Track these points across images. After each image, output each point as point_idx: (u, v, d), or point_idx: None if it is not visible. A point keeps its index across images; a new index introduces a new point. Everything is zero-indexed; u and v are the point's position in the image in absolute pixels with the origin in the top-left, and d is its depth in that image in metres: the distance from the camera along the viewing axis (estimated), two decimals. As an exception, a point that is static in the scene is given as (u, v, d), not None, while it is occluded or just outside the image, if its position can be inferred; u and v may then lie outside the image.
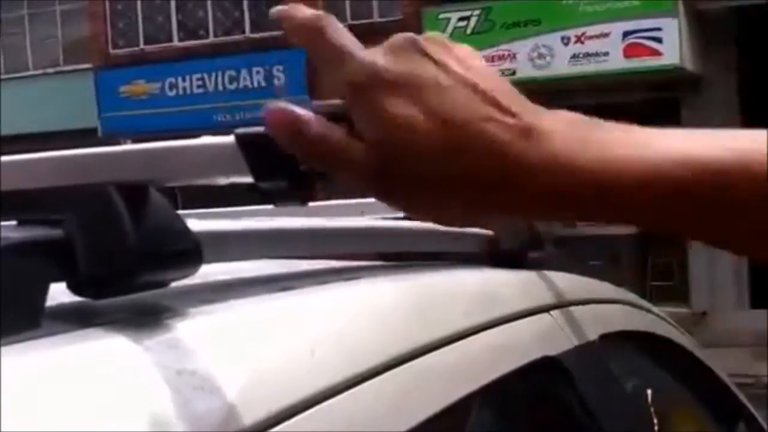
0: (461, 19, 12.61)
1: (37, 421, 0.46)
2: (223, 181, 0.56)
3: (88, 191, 0.56)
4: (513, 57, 12.14)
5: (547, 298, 1.31)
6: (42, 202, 0.57)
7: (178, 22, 15.28)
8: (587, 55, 11.67)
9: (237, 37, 14.96)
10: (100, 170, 0.58)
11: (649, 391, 1.73)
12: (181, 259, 0.59)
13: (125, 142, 15.94)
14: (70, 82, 16.63)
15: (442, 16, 12.79)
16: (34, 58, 17.81)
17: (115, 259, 0.55)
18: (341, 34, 0.54)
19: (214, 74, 14.64)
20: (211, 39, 15.10)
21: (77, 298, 0.57)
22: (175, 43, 15.29)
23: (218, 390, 0.55)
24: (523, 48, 12.12)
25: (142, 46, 15.48)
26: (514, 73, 11.91)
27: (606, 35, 11.79)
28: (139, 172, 0.57)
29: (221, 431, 0.53)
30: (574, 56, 11.79)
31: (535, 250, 1.44)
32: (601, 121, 0.53)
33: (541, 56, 12.00)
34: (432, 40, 0.54)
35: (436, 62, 0.52)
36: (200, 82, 14.77)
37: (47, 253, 0.54)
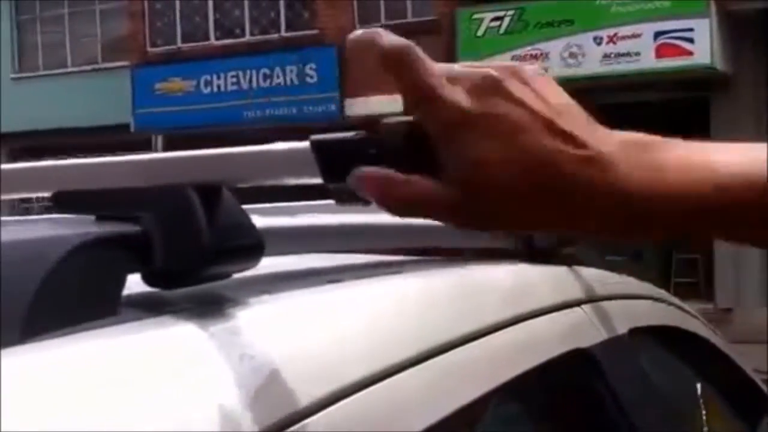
0: (495, 19, 12.65)
1: (114, 399, 0.51)
2: (291, 182, 0.62)
3: (166, 191, 0.62)
4: (545, 56, 12.16)
5: (579, 293, 1.36)
6: (121, 201, 0.63)
7: (215, 21, 15.43)
8: (619, 55, 11.70)
9: (272, 35, 15.05)
10: (178, 172, 0.63)
11: (676, 385, 1.77)
12: (246, 253, 0.65)
13: (156, 138, 16.12)
14: (107, 79, 16.82)
15: (476, 16, 12.85)
16: (73, 56, 18.03)
17: (187, 254, 0.60)
18: (427, 68, 0.57)
19: (248, 72, 14.73)
20: (246, 38, 15.19)
21: (149, 289, 0.63)
22: (212, 41, 15.43)
23: (277, 373, 0.60)
24: (555, 48, 12.16)
25: (179, 44, 15.61)
26: (545, 71, 11.97)
27: (638, 36, 11.79)
28: (214, 173, 0.63)
29: (279, 412, 0.59)
30: (606, 56, 11.83)
31: (567, 246, 1.47)
32: (657, 139, 0.57)
33: (573, 56, 12.03)
34: (512, 74, 0.56)
35: (515, 101, 0.55)
36: (234, 80, 14.87)
37: (125, 247, 0.60)
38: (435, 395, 0.80)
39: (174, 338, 0.59)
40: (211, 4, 15.46)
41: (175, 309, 0.63)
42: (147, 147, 16.41)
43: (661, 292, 1.80)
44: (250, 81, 14.74)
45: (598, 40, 11.84)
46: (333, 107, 14.10)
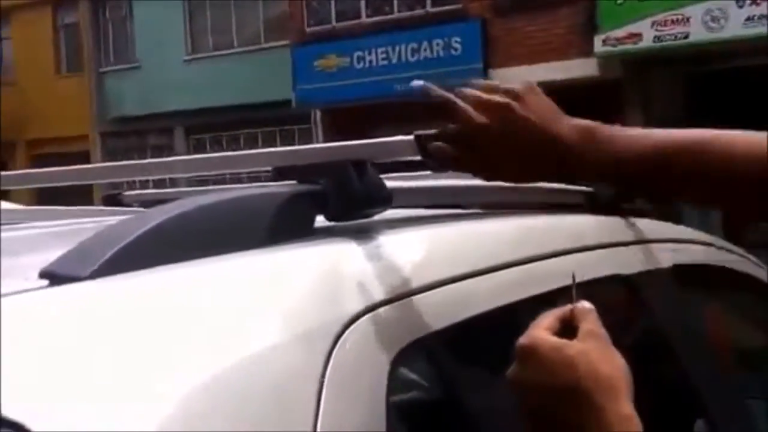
0: None
1: (310, 277, 1.00)
2: (405, 158, 1.16)
3: (335, 165, 1.13)
4: (686, 21, 11.94)
5: (628, 236, 1.72)
6: (311, 172, 1.19)
7: (366, 0, 15.87)
8: (762, 16, 11.35)
9: (418, 11, 15.37)
10: (342, 153, 1.16)
11: (717, 315, 2.04)
12: (381, 202, 1.16)
13: (315, 112, 16.79)
14: (269, 58, 17.65)
15: None
16: (238, 37, 18.91)
17: (348, 202, 1.12)
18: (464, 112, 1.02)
19: (397, 47, 15.15)
20: (395, 14, 15.58)
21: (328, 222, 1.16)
22: (363, 19, 15.86)
23: (398, 263, 1.08)
24: (696, 12, 11.89)
25: (333, 23, 16.12)
26: (687, 36, 11.82)
27: (782, -4, 11.41)
28: (362, 153, 1.14)
29: (403, 287, 1.04)
30: (749, 18, 11.52)
31: (625, 201, 1.83)
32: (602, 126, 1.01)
33: (714, 19, 11.80)
34: (521, 100, 1.00)
35: (516, 118, 0.99)
36: (384, 55, 15.31)
37: (314, 198, 1.14)
38: (512, 289, 1.22)
39: (342, 248, 1.06)
40: (363, -16, 15.93)
41: (343, 233, 1.10)
42: (307, 121, 17.12)
43: (713, 238, 2.09)
44: (399, 55, 15.16)
45: (740, 3, 11.55)
46: (478, 78, 14.34)
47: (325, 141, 16.71)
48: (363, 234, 1.12)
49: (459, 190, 1.53)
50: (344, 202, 1.13)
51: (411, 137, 1.09)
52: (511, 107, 0.99)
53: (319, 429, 0.87)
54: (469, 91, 1.04)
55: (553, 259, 1.37)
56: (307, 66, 15.98)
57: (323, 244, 1.08)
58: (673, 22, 12.02)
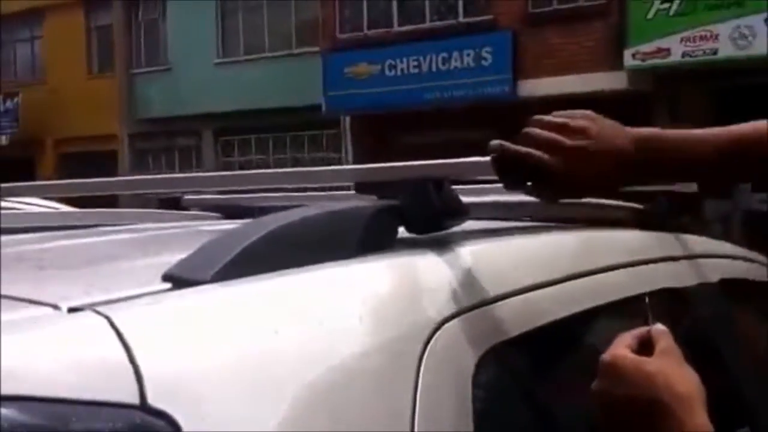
0: (665, 1, 12.58)
1: (392, 282, 1.14)
2: (478, 177, 1.24)
3: (416, 182, 1.22)
4: (715, 38, 12.09)
5: (677, 251, 1.81)
6: (391, 188, 1.28)
7: (398, 8, 16.01)
8: None
9: (450, 21, 15.50)
10: (422, 172, 1.26)
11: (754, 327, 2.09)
12: (457, 215, 1.25)
13: (345, 119, 16.91)
14: (300, 64, 17.79)
15: None
16: (270, 42, 19.08)
17: (427, 216, 1.22)
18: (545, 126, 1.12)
19: (428, 56, 15.27)
20: (427, 24, 15.71)
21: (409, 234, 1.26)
22: (395, 27, 16.01)
23: (477, 272, 1.17)
24: (725, 29, 12.04)
25: (365, 30, 16.29)
26: (715, 52, 11.91)
27: (809, 15, 11.42)
28: (440, 172, 1.24)
29: (480, 295, 1.15)
30: (776, 36, 11.56)
31: (673, 219, 1.92)
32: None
33: (743, 36, 11.92)
34: (583, 118, 1.12)
35: (583, 134, 1.09)
36: (415, 64, 15.43)
37: (397, 212, 1.22)
38: (574, 300, 1.30)
39: (426, 258, 1.15)
40: (394, -8, 16.05)
41: (424, 244, 1.19)
42: (336, 126, 17.23)
43: (754, 254, 2.18)
44: (430, 64, 15.27)
45: None
46: (507, 89, 14.46)
47: (354, 147, 16.86)
48: (442, 245, 1.21)
49: (526, 204, 1.62)
50: (424, 216, 1.23)
51: (488, 159, 1.18)
52: (562, 144, 1.09)
53: (416, 425, 0.95)
54: (537, 132, 1.12)
55: (614, 272, 1.46)
56: (338, 72, 16.16)
57: (408, 255, 1.17)
58: (701, 38, 12.16)
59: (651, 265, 1.64)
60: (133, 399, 0.78)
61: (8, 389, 0.74)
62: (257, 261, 1.00)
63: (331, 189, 1.73)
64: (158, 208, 2.39)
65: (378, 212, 1.20)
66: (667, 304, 1.66)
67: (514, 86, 14.39)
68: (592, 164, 1.09)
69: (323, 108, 16.54)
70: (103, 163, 19.80)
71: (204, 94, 19.00)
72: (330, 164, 17.58)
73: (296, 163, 18.36)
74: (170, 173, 19.87)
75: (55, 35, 22.57)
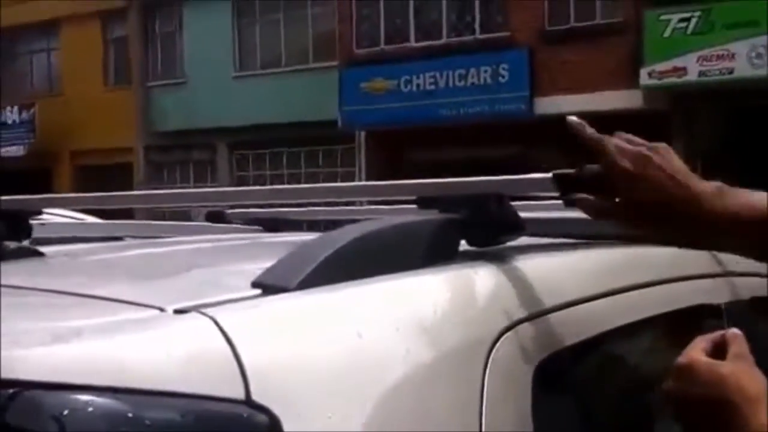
0: (682, 20, 12.68)
1: (460, 291, 1.22)
2: (541, 194, 1.31)
3: (478, 197, 1.29)
4: (731, 57, 12.17)
5: (714, 268, 1.85)
6: (454, 203, 1.34)
7: (415, 25, 16.13)
8: None
9: (467, 38, 15.62)
10: (484, 186, 1.33)
11: None
12: (515, 230, 1.32)
13: (360, 134, 17.00)
14: (316, 78, 17.89)
15: (662, 17, 12.86)
16: (287, 56, 19.20)
17: (488, 229, 1.30)
18: (609, 146, 1.10)
19: (444, 72, 15.37)
20: (444, 40, 15.82)
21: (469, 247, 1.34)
22: (412, 43, 16.13)
23: (534, 284, 1.23)
24: (741, 48, 12.12)
25: (382, 46, 16.42)
26: (732, 72, 11.97)
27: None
28: (499, 188, 1.31)
29: (541, 304, 1.23)
30: (794, 56, 11.60)
31: None
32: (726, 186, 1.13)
33: (759, 56, 11.98)
34: (654, 150, 1.09)
35: (656, 167, 1.07)
36: (432, 80, 15.54)
37: (459, 225, 1.29)
38: (613, 315, 1.35)
39: (488, 270, 1.21)
40: (411, 8, 16.15)
41: (484, 257, 1.26)
42: (351, 141, 17.32)
43: None
44: (446, 81, 15.37)
45: None
46: (523, 106, 14.58)
47: (368, 162, 16.94)
48: (501, 258, 1.29)
49: (576, 221, 1.69)
50: (485, 229, 1.30)
51: (549, 175, 1.24)
52: (650, 157, 1.10)
53: (483, 425, 1.02)
54: (612, 139, 1.14)
55: (658, 287, 1.53)
56: (354, 87, 16.28)
57: (470, 267, 1.24)
58: (718, 57, 12.25)
59: (690, 282, 1.71)
60: (239, 395, 0.86)
61: (123, 382, 0.82)
62: (336, 270, 1.08)
63: (386, 203, 1.80)
64: (203, 221, 2.47)
65: (442, 225, 1.27)
66: (704, 318, 1.74)
67: (531, 103, 14.51)
68: (659, 183, 1.10)
69: (339, 123, 16.65)
70: (118, 175, 19.93)
71: (220, 108, 19.14)
72: (344, 180, 17.67)
73: (310, 178, 18.44)
74: (185, 187, 19.98)
75: (71, 47, 22.78)
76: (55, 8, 22.14)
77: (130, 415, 0.81)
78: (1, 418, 0.77)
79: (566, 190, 1.24)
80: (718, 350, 1.04)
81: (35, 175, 18.79)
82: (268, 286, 1.04)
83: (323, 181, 18.24)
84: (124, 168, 20.64)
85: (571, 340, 1.25)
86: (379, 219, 1.27)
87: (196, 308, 0.93)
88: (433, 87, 15.51)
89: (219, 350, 0.88)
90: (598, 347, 1.32)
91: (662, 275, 1.58)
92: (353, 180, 17.10)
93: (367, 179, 16.60)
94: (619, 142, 1.13)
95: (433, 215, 1.33)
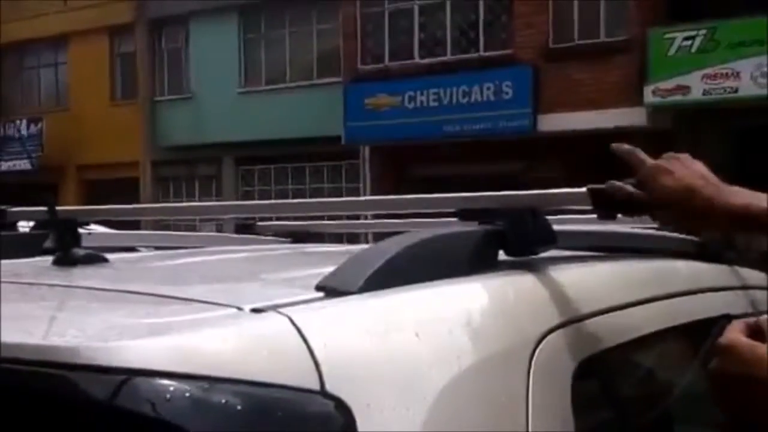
0: (686, 38, 12.76)
1: (494, 302, 1.32)
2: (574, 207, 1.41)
3: (514, 211, 1.39)
4: (736, 75, 12.24)
5: (731, 282, 1.96)
6: (487, 214, 1.44)
7: (420, 41, 16.25)
8: None
9: (471, 55, 15.72)
10: (522, 200, 1.43)
11: None
12: (548, 241, 1.42)
13: (364, 149, 17.11)
14: (321, 94, 17.99)
15: (667, 35, 12.96)
16: (291, 72, 19.32)
17: (524, 240, 1.39)
18: (647, 163, 1.29)
19: (448, 89, 15.46)
20: (448, 57, 15.94)
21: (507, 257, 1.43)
22: (416, 60, 16.24)
23: (569, 292, 1.34)
24: (746, 67, 12.19)
25: (387, 62, 16.52)
26: (736, 90, 12.06)
27: (829, 55, 11.58)
28: (532, 202, 1.42)
29: (567, 316, 1.33)
30: (797, 76, 11.70)
31: (729, 251, 2.07)
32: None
33: (764, 75, 12.05)
34: (675, 159, 1.28)
35: (682, 165, 1.27)
36: (435, 97, 15.62)
37: (498, 236, 1.39)
38: (642, 325, 1.45)
39: (526, 278, 1.31)
40: (416, 25, 16.28)
41: (522, 266, 1.35)
42: (355, 157, 17.41)
43: None
44: (450, 97, 15.46)
45: None
46: (526, 122, 14.65)
47: (373, 178, 17.06)
48: (538, 267, 1.38)
49: (603, 235, 1.82)
50: (522, 240, 1.39)
51: (584, 189, 1.35)
52: (677, 158, 1.28)
53: (530, 423, 1.11)
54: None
55: (682, 297, 1.62)
56: (359, 104, 16.36)
57: (510, 275, 1.34)
58: (722, 76, 12.32)
59: (712, 293, 1.80)
60: (315, 385, 0.94)
61: (212, 371, 0.90)
62: (392, 276, 1.17)
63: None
64: (234, 233, 2.57)
65: (483, 236, 1.36)
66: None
67: (534, 120, 14.58)
68: (683, 180, 1.25)
69: (343, 138, 16.72)
70: (125, 189, 20.02)
71: (225, 123, 19.26)
72: (349, 195, 17.76)
73: (314, 193, 18.54)
74: (191, 200, 20.08)
75: (79, 61, 22.93)
76: (63, 23, 22.30)
77: (218, 401, 0.90)
78: (110, 401, 0.86)
79: (599, 203, 1.33)
80: (755, 333, 1.13)
81: (42, 189, 18.88)
82: (331, 289, 1.13)
83: (327, 196, 18.38)
84: (130, 182, 20.73)
85: (607, 344, 1.34)
86: (426, 230, 1.36)
87: (271, 308, 1.02)
88: (436, 103, 15.60)
89: (295, 345, 0.96)
90: (630, 352, 1.41)
91: (686, 287, 1.67)
92: (357, 196, 17.27)
93: (372, 194, 16.68)
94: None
95: (474, 227, 1.42)
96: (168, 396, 0.86)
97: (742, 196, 1.26)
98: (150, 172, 20.47)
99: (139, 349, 0.89)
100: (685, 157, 1.30)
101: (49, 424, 0.90)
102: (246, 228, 2.53)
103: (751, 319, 1.16)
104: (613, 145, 1.32)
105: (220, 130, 19.37)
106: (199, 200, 20.50)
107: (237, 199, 18.90)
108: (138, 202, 19.21)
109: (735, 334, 1.12)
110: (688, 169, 1.27)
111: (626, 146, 1.32)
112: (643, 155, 1.31)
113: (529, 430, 1.11)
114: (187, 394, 0.88)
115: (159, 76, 21.57)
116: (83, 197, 21.85)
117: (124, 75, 22.56)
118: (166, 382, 0.87)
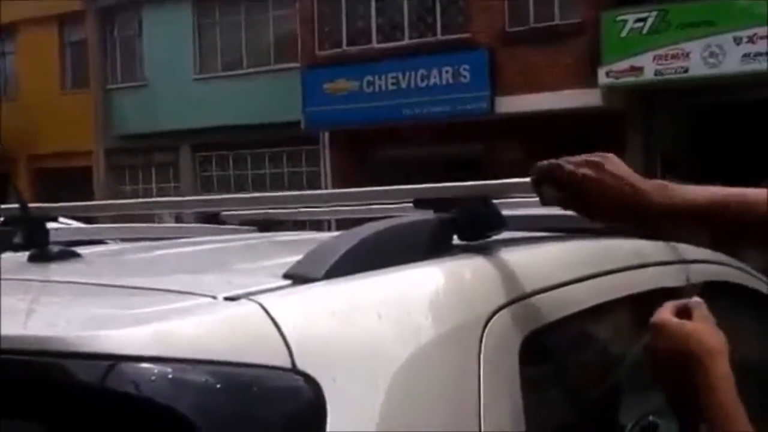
0: (638, 20, 12.96)
1: (450, 281, 1.42)
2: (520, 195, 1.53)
3: (465, 200, 1.51)
4: (686, 56, 12.47)
5: (672, 256, 2.08)
6: (441, 203, 1.55)
7: (377, 26, 16.31)
8: (758, 54, 11.89)
9: (429, 39, 15.84)
10: (473, 189, 1.54)
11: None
12: (497, 226, 1.53)
13: (323, 135, 17.16)
14: (279, 80, 18.01)
15: (619, 18, 13.16)
16: (248, 58, 19.26)
17: (474, 226, 1.51)
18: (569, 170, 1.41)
19: (406, 73, 15.57)
20: (405, 41, 16.05)
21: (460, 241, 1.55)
22: (374, 44, 16.30)
23: (518, 271, 1.46)
24: (696, 47, 12.43)
25: (344, 47, 16.55)
26: (687, 70, 12.32)
27: (777, 35, 11.85)
28: (482, 192, 1.53)
29: (520, 289, 1.44)
30: (746, 55, 12.05)
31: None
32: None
33: (713, 55, 12.30)
34: (608, 161, 1.36)
35: (609, 171, 1.34)
36: (394, 80, 15.72)
37: (452, 223, 1.51)
38: (592, 296, 1.56)
39: (477, 260, 1.39)
40: (373, 9, 16.33)
41: (474, 249, 1.45)
42: (315, 142, 17.46)
43: (733, 261, 2.44)
44: (409, 81, 15.56)
45: (737, 40, 12.08)
46: (484, 105, 14.81)
47: (333, 162, 17.12)
48: (488, 250, 1.50)
49: (551, 217, 1.91)
50: (474, 226, 1.49)
51: (528, 180, 1.45)
52: (601, 163, 1.34)
53: (481, 391, 1.21)
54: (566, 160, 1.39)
55: (623, 273, 1.75)
56: (317, 89, 16.39)
57: (464, 258, 1.44)
58: (673, 56, 12.55)
59: (651, 268, 1.92)
60: (286, 364, 1.04)
61: (193, 355, 0.99)
62: (353, 263, 1.27)
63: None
64: (197, 222, 2.65)
65: (438, 223, 1.46)
66: (665, 300, 1.96)
67: (492, 103, 14.75)
68: (610, 182, 1.34)
69: (302, 124, 16.76)
70: (78, 179, 19.88)
71: (181, 110, 19.16)
72: (309, 180, 17.80)
73: (274, 178, 18.54)
74: (148, 189, 19.97)
75: (28, 51, 22.64)
76: (12, 11, 22.01)
77: (199, 381, 0.99)
78: (99, 385, 0.95)
79: (543, 191, 1.44)
80: (684, 314, 1.26)
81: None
82: (298, 276, 1.22)
83: (288, 182, 18.43)
84: (83, 171, 20.60)
85: (551, 318, 1.45)
86: (385, 220, 1.45)
87: (243, 296, 1.11)
88: (395, 87, 15.71)
89: (267, 328, 1.06)
90: (573, 324, 1.52)
91: (627, 263, 1.78)
92: (318, 180, 17.33)
93: (332, 179, 16.74)
94: (572, 158, 1.36)
95: (429, 215, 1.52)
96: (152, 378, 0.95)
97: (675, 193, 1.34)
98: (104, 161, 20.33)
99: (124, 336, 0.98)
100: (608, 157, 1.36)
101: (43, 406, 0.99)
102: (212, 217, 2.62)
103: (682, 301, 1.28)
104: (531, 169, 1.39)
105: (176, 117, 19.27)
106: (157, 187, 20.43)
107: (196, 186, 18.86)
108: (91, 190, 19.09)
109: (665, 314, 1.25)
110: (610, 171, 1.33)
111: (545, 163, 1.37)
112: (567, 166, 1.36)
113: (481, 398, 1.22)
114: (170, 376, 0.97)
115: (112, 63, 21.40)
116: (36, 186, 21.63)
117: (75, 64, 22.32)
118: (150, 365, 0.96)
